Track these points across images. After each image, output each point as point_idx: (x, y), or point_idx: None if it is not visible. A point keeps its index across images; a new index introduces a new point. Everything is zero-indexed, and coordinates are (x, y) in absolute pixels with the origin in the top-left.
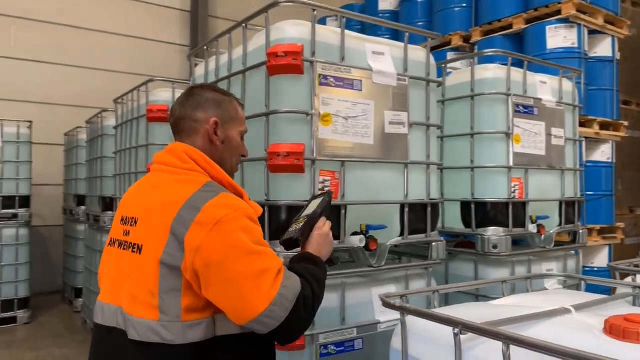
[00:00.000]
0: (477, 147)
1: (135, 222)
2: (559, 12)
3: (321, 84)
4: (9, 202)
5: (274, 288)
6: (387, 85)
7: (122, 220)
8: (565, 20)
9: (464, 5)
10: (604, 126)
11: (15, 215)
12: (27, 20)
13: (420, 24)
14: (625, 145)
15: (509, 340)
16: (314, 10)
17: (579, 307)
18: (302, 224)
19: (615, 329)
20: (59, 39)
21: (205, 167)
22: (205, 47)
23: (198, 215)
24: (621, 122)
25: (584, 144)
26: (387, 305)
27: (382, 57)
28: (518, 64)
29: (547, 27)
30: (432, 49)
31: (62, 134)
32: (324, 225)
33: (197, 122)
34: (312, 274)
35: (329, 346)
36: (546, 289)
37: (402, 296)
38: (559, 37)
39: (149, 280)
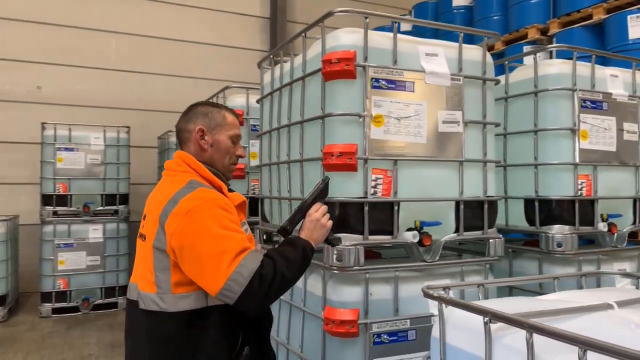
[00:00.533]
0: (541, 144)
1: (145, 217)
2: None
3: (373, 87)
4: (110, 199)
5: (231, 266)
6: (441, 85)
7: (143, 217)
8: None
9: None
10: None
11: (116, 212)
12: (124, 34)
13: (495, 17)
14: None
15: (532, 329)
16: (366, 18)
17: (623, 304)
18: (293, 213)
19: None
20: (150, 49)
21: (195, 167)
22: (271, 56)
23: (175, 207)
24: None
25: None
26: (426, 295)
27: (436, 58)
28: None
29: (629, 17)
30: (508, 43)
31: (155, 137)
32: (316, 211)
33: (188, 132)
34: (282, 255)
35: (382, 335)
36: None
37: (444, 288)
38: None
39: (149, 262)
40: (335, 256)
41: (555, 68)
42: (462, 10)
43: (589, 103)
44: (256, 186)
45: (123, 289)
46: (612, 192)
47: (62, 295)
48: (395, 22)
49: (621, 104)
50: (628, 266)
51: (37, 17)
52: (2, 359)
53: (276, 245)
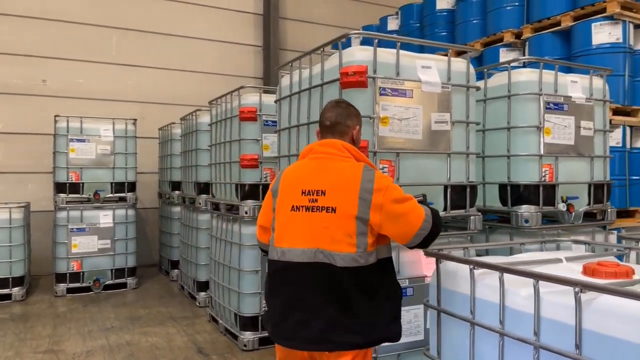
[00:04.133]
0: (513, 139)
1: (324, 193)
2: (604, 10)
3: (381, 94)
4: (120, 187)
5: (422, 213)
6: (433, 92)
7: (303, 192)
8: (610, 18)
9: (516, 4)
10: None
11: (124, 199)
12: (125, 30)
13: (474, 21)
14: None
15: (503, 270)
16: (375, 39)
17: (570, 259)
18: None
19: (588, 270)
20: (148, 44)
21: (355, 154)
22: (290, 64)
23: (374, 185)
24: None
25: (628, 131)
26: (427, 253)
27: (429, 70)
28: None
29: (593, 24)
30: (486, 45)
31: (155, 128)
32: None
33: (347, 127)
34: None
35: None
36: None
37: (439, 250)
38: (604, 34)
39: (348, 228)
40: None
41: (524, 76)
42: (445, 13)
43: (552, 105)
44: (268, 174)
45: (132, 270)
46: (570, 178)
47: (75, 276)
48: (398, 42)
49: (579, 106)
50: (584, 239)
51: (42, 14)
52: (33, 331)
53: None
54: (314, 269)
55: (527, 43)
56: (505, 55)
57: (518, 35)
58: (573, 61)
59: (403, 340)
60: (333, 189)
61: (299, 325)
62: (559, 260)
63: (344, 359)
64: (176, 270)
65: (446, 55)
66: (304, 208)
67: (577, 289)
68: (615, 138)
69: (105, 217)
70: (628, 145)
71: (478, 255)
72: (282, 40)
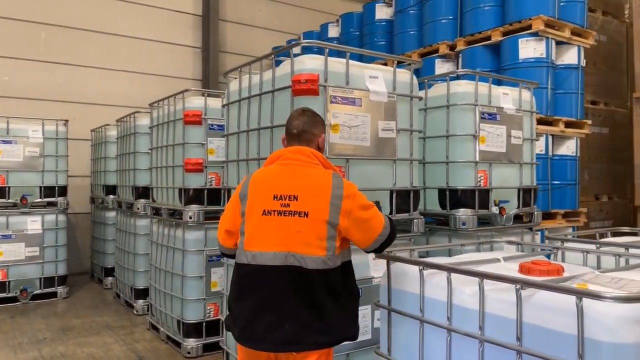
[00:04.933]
0: (451, 146)
1: (296, 198)
2: (530, 27)
3: (331, 102)
4: (49, 191)
5: (382, 220)
6: (380, 101)
7: (275, 197)
8: (535, 34)
9: (450, 17)
10: (569, 124)
11: (54, 203)
12: (56, 26)
13: (412, 32)
14: (592, 140)
15: (451, 270)
16: (326, 49)
17: (507, 258)
18: None
19: (524, 268)
20: (80, 42)
21: (323, 161)
22: (239, 69)
23: (343, 192)
24: (585, 120)
25: (550, 140)
26: (378, 256)
27: (377, 79)
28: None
29: (520, 40)
30: (423, 55)
31: (87, 130)
32: None
33: (314, 135)
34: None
35: None
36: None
37: (388, 252)
38: (529, 49)
39: (320, 232)
40: None
41: (462, 87)
42: (384, 23)
43: (486, 115)
44: (213, 178)
45: (62, 279)
46: (502, 183)
47: (0, 286)
48: (347, 52)
49: (510, 116)
50: (514, 239)
51: None
52: None
53: None
54: (284, 272)
55: (460, 55)
56: (440, 66)
57: (452, 47)
58: (502, 74)
59: None
60: (305, 195)
61: (270, 328)
62: (497, 260)
63: (310, 358)
64: (110, 278)
65: (385, 64)
66: (275, 212)
67: (518, 286)
68: (539, 146)
69: (33, 223)
70: (550, 153)
71: (420, 256)
72: (221, 43)
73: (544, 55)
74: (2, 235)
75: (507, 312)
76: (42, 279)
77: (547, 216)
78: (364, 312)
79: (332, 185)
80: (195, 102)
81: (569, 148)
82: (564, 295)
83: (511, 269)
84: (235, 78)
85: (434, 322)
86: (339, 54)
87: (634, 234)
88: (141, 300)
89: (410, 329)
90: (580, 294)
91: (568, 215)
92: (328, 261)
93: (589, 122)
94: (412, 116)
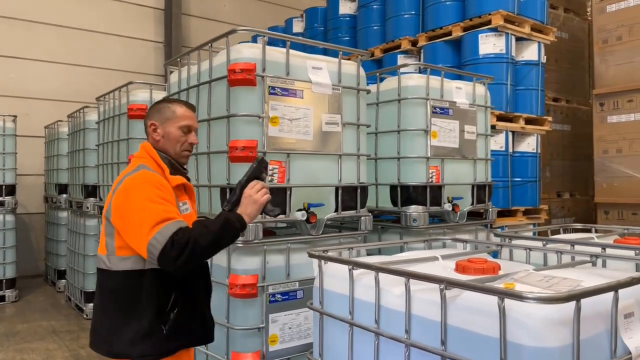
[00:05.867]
0: (402, 141)
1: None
2: (489, 22)
3: (270, 93)
4: None
5: (150, 233)
6: (324, 94)
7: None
8: (495, 30)
9: (412, 12)
10: (529, 121)
11: (1, 203)
12: (8, 18)
13: (375, 27)
14: (553, 137)
15: (378, 270)
16: (264, 36)
17: (445, 257)
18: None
19: (459, 267)
20: (35, 35)
21: (150, 154)
22: (178, 59)
23: (120, 185)
24: (545, 117)
25: (510, 136)
26: (310, 255)
27: (320, 71)
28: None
29: (480, 35)
30: (386, 51)
31: (42, 126)
32: (251, 188)
33: (147, 126)
34: (201, 225)
35: (276, 295)
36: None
37: (324, 251)
38: (489, 44)
39: (102, 229)
40: None
41: (413, 81)
42: (348, 18)
43: (438, 109)
44: None
45: (11, 282)
46: (455, 179)
47: None
48: (288, 41)
49: (463, 111)
50: (467, 237)
51: None
52: None
53: None
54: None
55: (422, 50)
56: (402, 62)
57: (414, 43)
58: (463, 69)
59: (294, 343)
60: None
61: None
62: (435, 259)
63: None
64: (63, 281)
65: (349, 59)
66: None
67: (442, 286)
68: (499, 142)
69: None
70: (510, 149)
71: (371, 255)
72: (185, 37)
73: (504, 51)
74: None
75: (434, 314)
76: None
77: (508, 213)
78: (307, 315)
79: (121, 177)
80: (140, 96)
81: (529, 145)
82: (489, 296)
83: (447, 268)
84: (177, 69)
85: (362, 325)
86: (304, 48)
87: (587, 231)
88: (91, 304)
89: (341, 332)
90: (502, 294)
91: (529, 212)
92: (107, 261)
93: (550, 118)
94: (359, 110)
